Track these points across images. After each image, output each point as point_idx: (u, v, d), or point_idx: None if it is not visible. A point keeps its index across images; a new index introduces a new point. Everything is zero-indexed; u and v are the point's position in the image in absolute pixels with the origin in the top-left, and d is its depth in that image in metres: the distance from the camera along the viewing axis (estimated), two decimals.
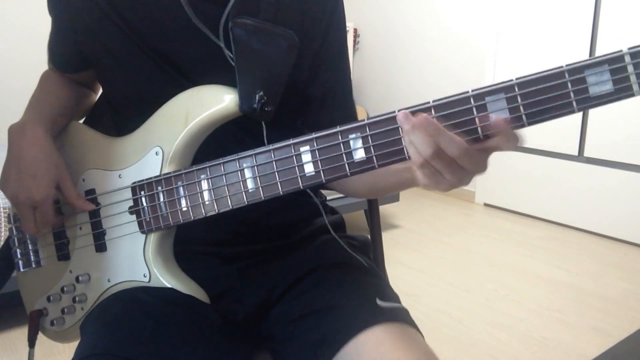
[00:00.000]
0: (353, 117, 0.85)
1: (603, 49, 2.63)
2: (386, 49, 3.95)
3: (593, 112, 2.76)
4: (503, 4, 3.07)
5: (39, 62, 0.98)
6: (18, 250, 0.84)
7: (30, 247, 0.83)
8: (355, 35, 4.09)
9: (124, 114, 0.83)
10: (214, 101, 0.71)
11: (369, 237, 0.98)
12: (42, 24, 0.89)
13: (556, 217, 3.00)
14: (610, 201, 2.74)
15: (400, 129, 0.58)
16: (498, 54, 3.15)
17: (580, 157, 2.86)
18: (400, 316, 0.72)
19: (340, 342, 0.67)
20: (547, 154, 2.98)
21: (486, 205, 3.38)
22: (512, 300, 2.14)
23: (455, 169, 0.55)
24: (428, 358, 0.67)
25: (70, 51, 0.81)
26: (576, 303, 2.11)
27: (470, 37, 3.36)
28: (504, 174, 3.23)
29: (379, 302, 0.73)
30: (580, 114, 2.80)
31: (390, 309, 0.73)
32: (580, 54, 2.73)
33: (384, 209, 3.18)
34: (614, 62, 0.51)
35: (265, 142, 0.73)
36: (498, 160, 3.23)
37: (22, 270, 0.84)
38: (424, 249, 2.69)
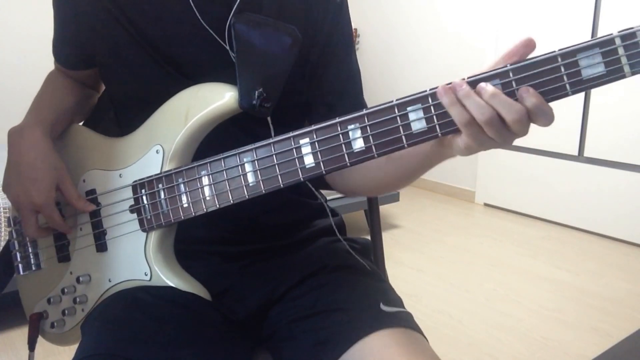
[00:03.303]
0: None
1: None
2: (386, 49, 3.94)
3: (593, 112, 2.76)
4: (503, 3, 3.07)
5: (40, 63, 0.98)
6: (18, 254, 0.84)
7: (30, 250, 0.83)
8: (355, 35, 4.09)
9: (126, 113, 0.83)
10: (214, 98, 0.71)
11: (370, 239, 0.98)
12: (44, 26, 0.89)
13: (556, 217, 3.00)
14: (610, 201, 2.74)
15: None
16: (498, 54, 3.14)
17: (580, 157, 2.86)
18: (405, 321, 0.71)
19: (344, 346, 0.67)
20: (547, 154, 2.98)
21: (486, 205, 3.38)
22: (512, 300, 2.14)
23: (504, 132, 0.55)
24: None
25: (74, 49, 0.81)
26: (576, 303, 2.11)
27: (470, 36, 3.36)
28: (504, 174, 3.23)
29: (382, 306, 0.73)
30: (580, 114, 2.80)
31: (394, 313, 0.72)
32: None
33: (384, 209, 3.18)
34: (605, 45, 0.52)
35: (272, 134, 0.73)
36: (498, 160, 3.23)
37: (22, 273, 0.84)
38: (424, 249, 2.69)
